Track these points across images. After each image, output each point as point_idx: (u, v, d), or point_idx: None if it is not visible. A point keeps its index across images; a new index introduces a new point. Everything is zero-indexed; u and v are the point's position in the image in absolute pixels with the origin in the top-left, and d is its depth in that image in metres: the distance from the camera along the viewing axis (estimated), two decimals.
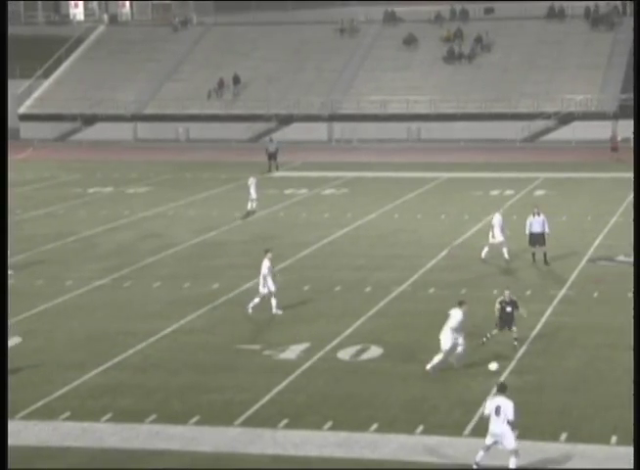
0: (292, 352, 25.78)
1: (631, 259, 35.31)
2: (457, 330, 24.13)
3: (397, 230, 41.64)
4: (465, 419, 21.12)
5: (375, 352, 25.81)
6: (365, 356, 25.52)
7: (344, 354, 25.65)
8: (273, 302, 29.27)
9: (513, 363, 24.62)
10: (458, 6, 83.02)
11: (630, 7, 79.88)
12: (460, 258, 36.13)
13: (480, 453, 18.64)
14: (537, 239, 34.69)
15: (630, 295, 30.59)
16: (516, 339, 25.62)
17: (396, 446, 20.01)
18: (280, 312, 29.20)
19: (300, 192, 51.99)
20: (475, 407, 21.66)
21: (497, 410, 18.42)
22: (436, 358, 24.02)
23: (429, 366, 24.06)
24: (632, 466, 17.90)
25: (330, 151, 69.97)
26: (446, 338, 24.07)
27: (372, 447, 19.96)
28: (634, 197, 36.48)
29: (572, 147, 67.08)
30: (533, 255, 34.91)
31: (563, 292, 31.22)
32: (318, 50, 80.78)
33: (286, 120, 74.57)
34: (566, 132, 70.12)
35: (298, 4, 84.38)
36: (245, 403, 22.16)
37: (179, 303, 30.89)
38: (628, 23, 78.73)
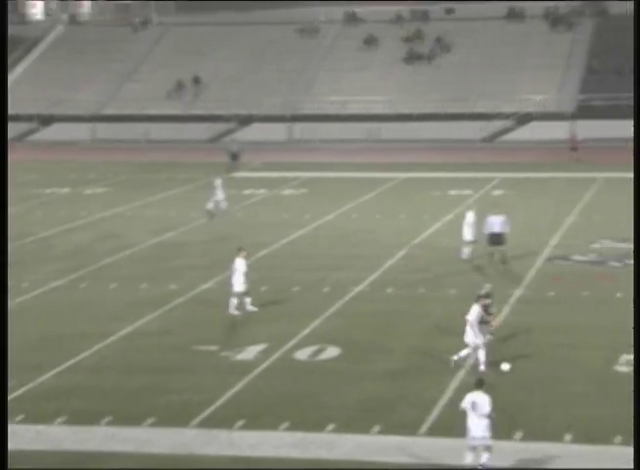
0: (249, 353, 25.72)
1: (587, 258, 35.60)
2: (475, 325, 24.02)
3: (356, 230, 41.68)
4: (421, 418, 21.14)
5: (332, 352, 25.79)
6: (322, 357, 25.50)
7: (302, 355, 25.63)
8: (233, 301, 29.24)
9: (470, 362, 24.64)
10: (418, 6, 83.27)
11: (589, 8, 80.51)
12: (419, 258, 36.21)
13: (470, 455, 18.54)
14: (497, 239, 34.82)
15: (587, 293, 30.84)
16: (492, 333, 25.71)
17: (353, 445, 20.00)
18: (236, 313, 29.16)
19: (260, 192, 51.91)
20: (431, 407, 21.72)
21: (473, 405, 18.43)
22: (464, 352, 24.07)
23: (456, 355, 24.07)
24: (626, 465, 17.97)
25: (290, 151, 69.93)
26: (469, 333, 23.99)
27: (328, 448, 19.93)
28: (634, 197, 36.70)
29: (531, 147, 67.44)
30: (492, 254, 35.04)
31: (520, 291, 31.36)
32: (278, 50, 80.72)
33: (246, 121, 74.47)
34: (524, 132, 70.52)
35: (259, 4, 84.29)
36: (201, 404, 22.07)
37: (136, 304, 30.74)
38: (587, 23, 79.39)
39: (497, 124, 71.16)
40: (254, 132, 72.71)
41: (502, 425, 20.66)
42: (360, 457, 19.51)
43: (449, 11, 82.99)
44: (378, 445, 20.05)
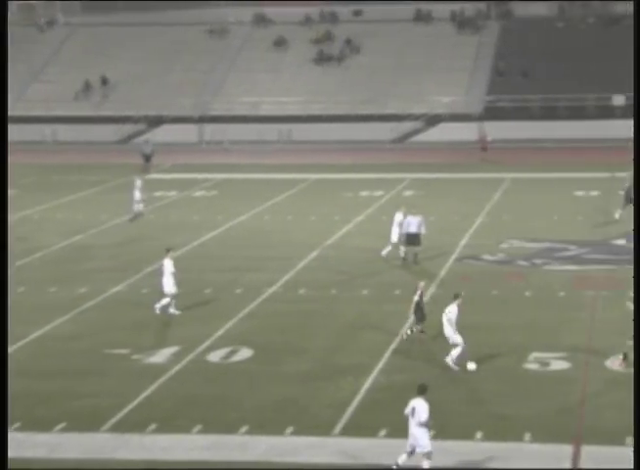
0: (161, 356, 25.53)
1: (496, 258, 36.03)
2: (454, 324, 24.16)
3: (268, 231, 41.64)
4: (334, 419, 21.18)
5: (245, 353, 25.73)
6: (235, 358, 25.42)
7: (214, 357, 25.52)
8: (163, 301, 29.11)
9: (381, 363, 24.79)
10: (327, 8, 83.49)
11: (494, 10, 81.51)
12: (331, 259, 36.30)
13: (403, 457, 18.55)
14: (413, 239, 35.07)
15: (496, 293, 31.21)
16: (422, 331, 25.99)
17: (266, 447, 19.97)
18: (177, 313, 29.15)
19: (170, 194, 51.56)
20: (344, 407, 21.78)
21: (412, 411, 18.43)
22: (455, 352, 24.04)
23: (452, 364, 24.07)
24: (624, 466, 18.07)
25: (200, 152, 69.60)
26: (451, 332, 24.09)
27: (241, 449, 19.87)
28: (634, 197, 37.13)
29: (440, 148, 68.04)
30: (406, 254, 35.26)
31: (431, 291, 31.59)
32: (188, 51, 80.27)
33: (155, 122, 73.89)
34: (433, 133, 71.12)
35: (167, 5, 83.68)
36: (113, 409, 21.84)
37: (46, 307, 30.31)
38: (493, 26, 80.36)
39: (407, 125, 71.65)
40: (164, 133, 72.16)
41: None
42: (274, 459, 19.48)
43: (357, 13, 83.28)
44: (291, 445, 20.04)
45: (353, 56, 78.86)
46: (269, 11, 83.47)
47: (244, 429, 20.77)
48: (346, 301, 30.72)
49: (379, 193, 50.45)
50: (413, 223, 35.02)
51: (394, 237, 35.38)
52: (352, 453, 19.54)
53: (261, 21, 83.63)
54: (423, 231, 35.16)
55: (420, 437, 18.24)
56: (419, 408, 18.31)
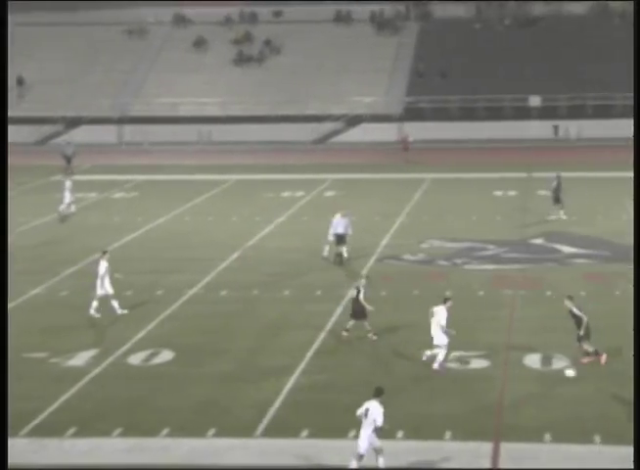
0: (80, 359, 25.26)
1: (416, 258, 36.28)
2: (444, 326, 24.19)
3: (189, 233, 41.44)
4: (256, 420, 21.15)
5: (166, 355, 25.57)
6: (156, 361, 25.25)
7: (135, 359, 25.32)
8: (114, 303, 28.88)
9: (303, 363, 24.81)
10: (247, 9, 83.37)
11: (413, 11, 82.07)
12: (252, 260, 36.24)
13: (354, 462, 18.52)
14: (340, 239, 35.19)
15: (417, 292, 31.41)
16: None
17: (188, 449, 19.87)
18: (125, 312, 28.95)
19: (90, 196, 51.04)
20: (266, 408, 21.75)
21: (366, 413, 18.43)
22: (440, 355, 24.07)
23: (436, 365, 24.07)
24: (619, 465, 18.23)
25: (120, 154, 69.04)
26: (439, 334, 24.10)
27: (163, 452, 19.75)
28: (634, 197, 37.37)
29: (361, 148, 68.33)
30: (336, 254, 35.37)
31: (352, 292, 31.61)
32: (106, 51, 79.58)
33: (74, 123, 73.12)
34: (354, 134, 71.43)
35: (85, 4, 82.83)
36: (31, 413, 21.55)
37: None
38: (412, 27, 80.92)
39: (328, 126, 71.88)
40: (83, 134, 71.45)
41: (336, 425, 20.90)
42: (196, 461, 19.40)
43: (277, 13, 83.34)
44: (213, 447, 19.97)
45: (273, 56, 78.87)
46: (189, 11, 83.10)
47: (165, 431, 20.65)
48: (268, 301, 30.69)
49: (300, 194, 50.50)
50: (341, 224, 35.18)
51: (331, 236, 35.55)
52: (274, 454, 19.53)
53: (181, 21, 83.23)
54: (349, 232, 35.36)
55: (367, 438, 18.28)
56: (373, 411, 18.33)
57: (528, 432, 20.35)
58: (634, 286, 28.43)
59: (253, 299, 31.04)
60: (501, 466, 19.14)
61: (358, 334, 26.93)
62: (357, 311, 26.55)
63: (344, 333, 26.58)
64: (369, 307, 26.55)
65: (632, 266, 31.26)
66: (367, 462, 18.46)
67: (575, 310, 24.11)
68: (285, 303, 30.58)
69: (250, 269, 34.84)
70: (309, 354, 25.52)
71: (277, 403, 22.12)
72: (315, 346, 26.20)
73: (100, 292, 29.00)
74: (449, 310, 24.45)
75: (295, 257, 36.37)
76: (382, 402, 18.44)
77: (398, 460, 19.16)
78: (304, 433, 20.46)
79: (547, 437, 20.15)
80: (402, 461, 19.14)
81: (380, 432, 18.41)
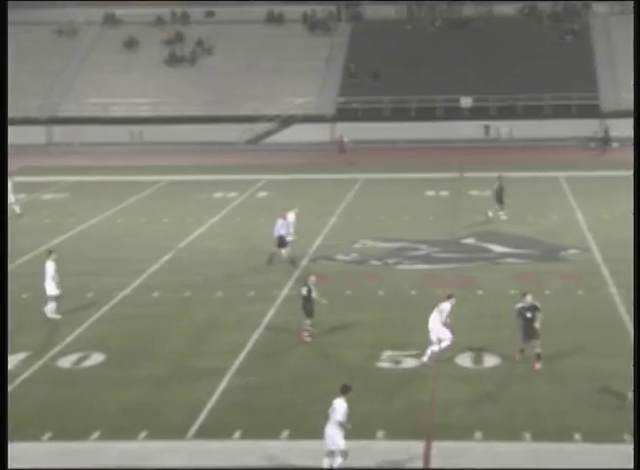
0: (9, 363, 24.89)
1: (349, 258, 36.34)
2: (447, 323, 24.37)
3: (121, 234, 41.10)
4: (188, 422, 21.04)
5: (97, 358, 25.34)
6: (86, 364, 25.01)
7: (65, 362, 25.06)
8: (51, 306, 28.59)
9: (236, 364, 24.73)
10: (178, 9, 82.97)
11: (345, 12, 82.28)
12: (184, 262, 36.04)
13: (326, 460, 18.51)
14: (281, 241, 35.14)
15: (350, 292, 31.46)
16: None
17: (119, 452, 19.71)
18: (58, 317, 28.60)
19: (19, 197, 50.33)
20: (198, 410, 21.64)
21: (332, 410, 18.51)
22: (444, 344, 24.24)
23: (425, 359, 24.18)
24: (617, 465, 18.26)
25: (50, 155, 68.33)
26: (439, 329, 24.26)
27: (94, 456, 19.57)
28: (634, 197, 37.39)
29: (294, 149, 68.33)
30: (275, 256, 35.29)
31: (285, 292, 31.65)
32: (35, 52, 78.66)
33: None
34: (287, 134, 71.38)
35: (13, 4, 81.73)
36: None
37: None
38: (344, 28, 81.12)
39: (261, 127, 71.76)
40: (11, 136, 70.19)
41: (269, 425, 20.87)
42: (127, 464, 19.25)
43: (209, 14, 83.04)
44: (145, 450, 19.83)
45: (205, 57, 78.59)
46: (119, 11, 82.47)
47: (96, 435, 20.46)
48: (201, 303, 30.55)
49: (233, 194, 50.35)
50: (282, 226, 35.14)
51: (288, 238, 35.54)
52: (206, 456, 19.44)
53: (111, 21, 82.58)
54: (291, 233, 35.40)
55: (334, 435, 18.36)
56: (337, 408, 18.45)
57: (460, 430, 20.48)
58: (634, 286, 28.65)
59: (186, 300, 30.87)
60: (433, 465, 19.24)
61: (292, 335, 26.92)
62: (309, 309, 26.56)
63: (305, 333, 26.53)
64: (324, 301, 26.83)
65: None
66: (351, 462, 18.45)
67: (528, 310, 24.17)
68: (218, 304, 30.46)
69: (182, 271, 34.64)
70: (242, 356, 25.45)
71: (209, 405, 22.03)
72: (249, 347, 26.13)
73: (52, 293, 28.72)
74: (453, 307, 24.80)
75: (228, 258, 36.26)
76: (348, 400, 18.56)
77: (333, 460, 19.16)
78: (237, 434, 20.40)
79: (478, 435, 20.30)
80: (335, 461, 19.13)
81: (343, 430, 18.44)
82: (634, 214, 31.09)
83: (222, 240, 39.42)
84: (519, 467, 19.06)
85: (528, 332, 23.95)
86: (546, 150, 65.14)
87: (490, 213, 42.20)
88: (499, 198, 42.38)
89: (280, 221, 35.25)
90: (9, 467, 17.69)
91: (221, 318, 28.91)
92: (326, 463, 18.53)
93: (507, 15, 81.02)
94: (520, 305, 24.31)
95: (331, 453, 18.50)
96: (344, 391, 18.80)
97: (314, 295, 26.64)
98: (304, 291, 26.76)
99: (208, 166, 61.18)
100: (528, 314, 23.96)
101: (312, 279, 27.17)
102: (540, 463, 19.18)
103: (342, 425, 18.39)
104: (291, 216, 36.13)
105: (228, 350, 25.78)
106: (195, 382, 23.47)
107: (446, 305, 24.70)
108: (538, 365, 23.85)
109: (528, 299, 24.24)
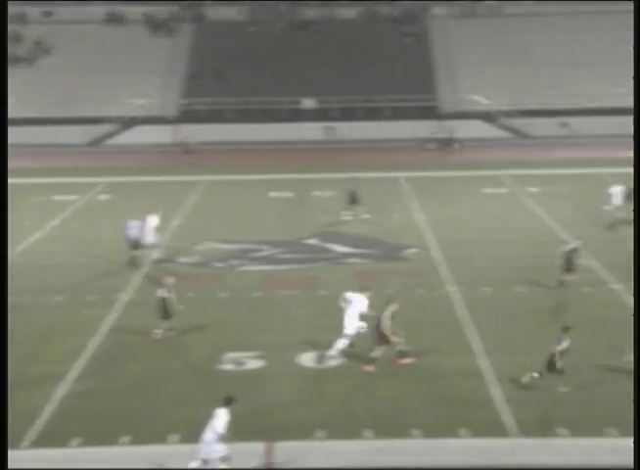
0: None
1: (192, 260, 36.11)
2: (363, 315, 24.24)
3: None
4: (24, 430, 20.58)
5: None
6: None
7: None
8: None
9: (76, 370, 24.29)
10: (15, 8, 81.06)
11: (188, 13, 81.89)
12: (22, 266, 35.18)
13: (192, 463, 18.36)
14: (133, 243, 34.70)
15: (192, 295, 31.26)
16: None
17: None
18: None
19: None
20: (35, 417, 21.18)
21: (212, 419, 18.47)
22: (341, 343, 24.09)
23: (333, 352, 24.05)
24: (629, 465, 18.26)
25: None
26: (353, 323, 24.14)
27: None
28: (634, 197, 37.13)
29: (136, 151, 67.61)
30: (137, 258, 34.85)
31: (128, 296, 31.22)
32: None
33: None
34: (129, 136, 70.62)
35: None
36: None
37: None
38: (187, 29, 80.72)
39: (102, 128, 70.78)
40: None
41: (106, 431, 20.57)
42: None
43: (47, 14, 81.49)
44: None
45: (44, 57, 77.07)
46: None
47: None
48: (40, 308, 29.89)
49: (73, 197, 49.47)
50: (133, 227, 34.70)
51: (153, 239, 35.03)
52: (43, 465, 19.03)
53: None
54: (141, 234, 35.02)
55: (210, 444, 18.34)
56: (218, 418, 18.46)
57: (302, 430, 20.58)
58: (634, 286, 28.99)
59: (24, 305, 30.14)
60: (275, 466, 19.27)
61: (137, 339, 26.62)
62: (165, 312, 26.34)
63: (165, 333, 26.36)
64: (181, 307, 26.73)
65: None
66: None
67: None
68: (57, 308, 29.86)
69: (20, 275, 33.80)
70: (83, 361, 25.01)
71: (47, 412, 21.57)
72: (89, 351, 25.71)
73: None
74: (370, 299, 24.91)
75: (68, 261, 35.60)
76: (230, 411, 18.63)
77: (174, 464, 19.01)
78: (75, 442, 20.03)
79: (320, 434, 20.42)
80: (179, 464, 19.00)
81: (222, 439, 18.48)
82: (634, 214, 31.57)
83: (62, 244, 38.69)
84: (360, 465, 19.26)
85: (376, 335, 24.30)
86: (386, 151, 66.11)
87: (344, 214, 42.61)
88: (353, 198, 42.76)
89: (133, 223, 34.82)
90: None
91: (62, 323, 28.35)
92: (192, 464, 18.51)
93: (348, 18, 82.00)
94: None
95: (204, 462, 18.46)
96: (227, 402, 18.88)
97: (172, 296, 26.50)
98: (161, 293, 26.49)
99: (47, 169, 59.94)
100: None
101: (172, 281, 26.93)
102: (381, 460, 19.42)
103: (220, 436, 18.41)
104: (153, 219, 35.67)
105: (68, 354, 25.30)
106: (33, 389, 22.96)
107: (360, 297, 24.80)
108: (369, 368, 24.11)
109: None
